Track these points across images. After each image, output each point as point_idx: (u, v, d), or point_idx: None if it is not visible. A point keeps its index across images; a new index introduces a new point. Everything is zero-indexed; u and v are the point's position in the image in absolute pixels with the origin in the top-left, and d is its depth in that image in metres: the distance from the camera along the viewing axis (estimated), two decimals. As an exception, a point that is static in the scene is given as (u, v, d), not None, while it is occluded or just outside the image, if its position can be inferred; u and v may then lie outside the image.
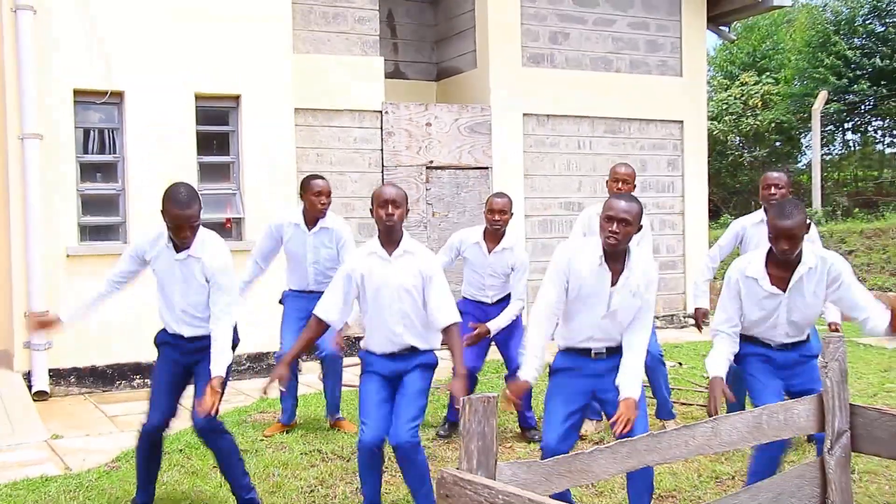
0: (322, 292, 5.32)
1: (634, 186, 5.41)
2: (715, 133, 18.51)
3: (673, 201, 10.31)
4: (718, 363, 3.68)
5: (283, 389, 3.91)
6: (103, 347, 6.88)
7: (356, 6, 8.67)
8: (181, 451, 5.05)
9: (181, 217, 3.76)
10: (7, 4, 6.66)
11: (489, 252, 5.25)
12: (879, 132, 19.18)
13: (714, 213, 16.45)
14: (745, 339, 3.81)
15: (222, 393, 3.87)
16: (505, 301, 5.33)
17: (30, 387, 6.57)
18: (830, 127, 18.45)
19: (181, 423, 5.63)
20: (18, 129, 6.64)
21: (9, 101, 6.67)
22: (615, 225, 3.44)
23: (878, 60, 17.04)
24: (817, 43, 18.04)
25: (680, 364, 7.72)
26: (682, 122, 10.31)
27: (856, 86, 17.18)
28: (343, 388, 5.78)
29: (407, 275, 3.82)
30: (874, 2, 17.58)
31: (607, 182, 5.44)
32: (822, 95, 13.13)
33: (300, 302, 5.46)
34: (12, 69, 6.64)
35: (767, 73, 20.39)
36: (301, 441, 5.29)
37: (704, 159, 10.63)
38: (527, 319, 5.51)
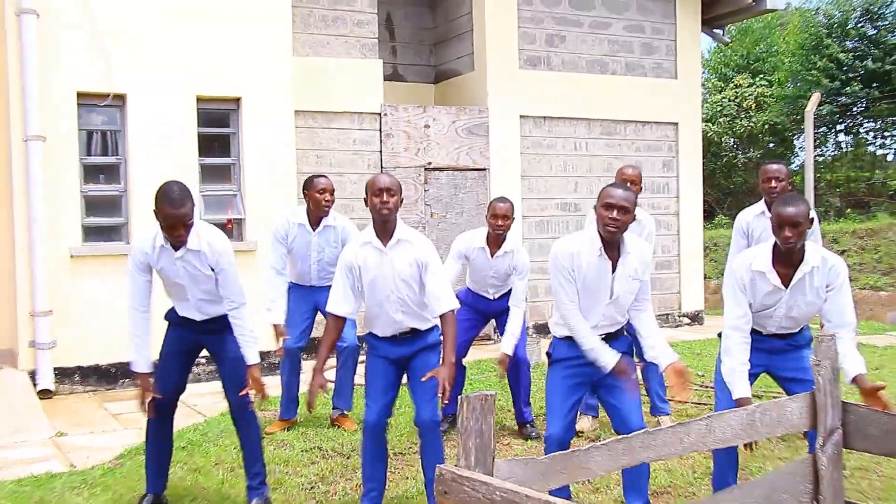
0: (324, 286, 5.37)
1: (641, 188, 5.42)
2: (709, 135, 18.53)
3: (668, 202, 10.32)
4: (741, 382, 3.54)
5: (327, 394, 3.95)
6: (107, 346, 6.88)
7: (355, 10, 8.68)
8: (183, 448, 5.05)
9: (175, 216, 3.74)
10: (11, 8, 6.65)
11: (492, 256, 5.26)
12: (871, 134, 19.21)
13: (708, 214, 16.47)
14: None
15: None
16: (507, 296, 5.35)
17: (35, 385, 6.57)
18: (823, 129, 18.47)
19: (182, 420, 5.66)
20: (22, 132, 6.64)
21: (12, 103, 6.67)
22: (615, 212, 3.46)
23: (869, 63, 17.06)
24: (810, 46, 18.07)
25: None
26: (676, 123, 10.33)
27: (848, 88, 17.20)
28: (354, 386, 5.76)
29: (403, 264, 3.82)
30: (866, 5, 17.60)
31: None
32: (815, 97, 13.12)
33: (303, 293, 5.49)
34: (16, 72, 6.64)
35: (761, 76, 20.41)
36: (302, 438, 5.29)
37: (699, 161, 10.64)
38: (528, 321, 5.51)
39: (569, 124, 9.74)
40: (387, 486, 4.36)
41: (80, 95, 6.88)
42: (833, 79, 17.25)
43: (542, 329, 9.36)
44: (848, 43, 17.70)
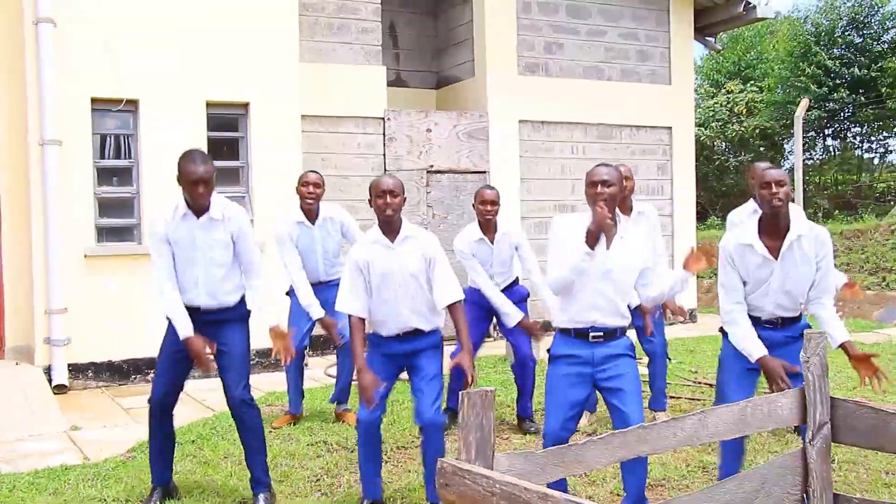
0: (329, 281, 5.36)
1: (634, 183, 5.40)
2: (702, 139, 18.53)
3: (662, 204, 10.30)
4: (754, 342, 3.53)
5: (381, 389, 3.87)
6: (119, 343, 6.88)
7: (360, 18, 8.67)
8: (193, 441, 5.05)
9: (197, 172, 3.75)
10: (29, 17, 6.66)
11: (492, 242, 5.25)
12: (858, 138, 19.20)
13: (701, 216, 16.46)
14: None
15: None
16: (512, 286, 5.34)
17: (50, 381, 6.57)
18: (812, 133, 18.46)
19: (192, 414, 5.66)
20: (39, 136, 6.65)
21: (30, 109, 6.67)
22: (600, 187, 3.44)
23: (856, 70, 17.05)
24: (799, 53, 18.05)
25: (669, 359, 7.71)
26: (670, 128, 10.31)
27: (835, 94, 17.19)
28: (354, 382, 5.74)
29: (411, 259, 3.80)
30: (852, 14, 17.59)
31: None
32: (804, 103, 13.12)
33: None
34: (33, 79, 6.64)
35: (752, 82, 20.40)
36: (307, 433, 5.28)
37: (692, 164, 10.63)
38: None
39: (566, 128, 9.73)
40: (389, 479, 4.36)
41: (94, 101, 6.88)
42: (821, 85, 17.24)
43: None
44: (835, 51, 17.69)
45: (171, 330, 4.01)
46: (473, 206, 5.29)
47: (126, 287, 6.83)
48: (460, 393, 2.22)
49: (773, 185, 3.47)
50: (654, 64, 10.28)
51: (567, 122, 9.70)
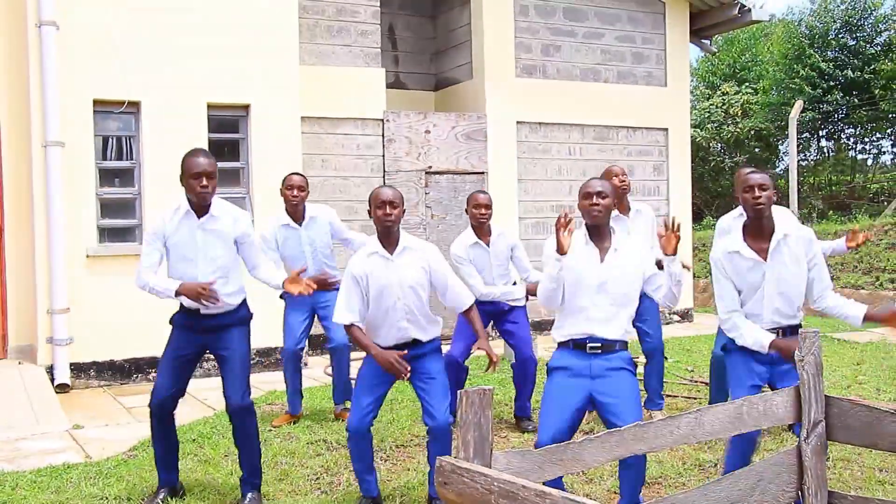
0: (319, 281, 5.34)
1: (629, 183, 5.41)
2: (698, 140, 18.53)
3: (658, 204, 10.30)
4: (760, 332, 3.50)
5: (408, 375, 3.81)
6: (121, 343, 6.87)
7: (359, 20, 8.67)
8: (194, 440, 5.04)
9: (200, 164, 3.75)
10: (32, 20, 6.65)
11: (488, 245, 5.25)
12: (851, 139, 19.21)
13: (697, 216, 16.47)
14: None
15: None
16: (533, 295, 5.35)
17: (52, 380, 6.56)
18: (806, 134, 18.46)
19: (194, 413, 5.65)
20: (42, 138, 6.64)
21: (33, 110, 6.66)
22: (594, 198, 3.46)
23: (849, 72, 17.06)
24: (793, 55, 18.06)
25: (666, 358, 7.71)
26: (666, 129, 10.32)
27: (829, 96, 17.20)
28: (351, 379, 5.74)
29: (410, 271, 3.79)
30: (846, 17, 17.60)
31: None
32: (798, 105, 13.12)
33: (301, 297, 5.42)
34: (36, 81, 6.63)
35: (747, 84, 20.41)
36: (307, 431, 5.27)
37: (688, 165, 10.64)
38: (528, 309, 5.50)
39: (563, 130, 9.73)
40: (388, 477, 4.35)
41: (96, 103, 6.87)
42: (815, 87, 17.24)
43: (537, 326, 9.35)
44: (829, 53, 17.70)
45: (175, 334, 4.00)
46: (466, 210, 5.29)
47: (128, 287, 6.74)
48: (459, 392, 2.22)
49: (755, 188, 3.48)
50: (651, 66, 10.29)
51: (564, 124, 9.70)
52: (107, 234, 7.05)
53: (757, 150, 19.48)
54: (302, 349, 5.53)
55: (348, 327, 3.86)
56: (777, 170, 19.83)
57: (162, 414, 3.98)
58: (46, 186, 6.61)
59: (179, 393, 4.01)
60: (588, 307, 3.48)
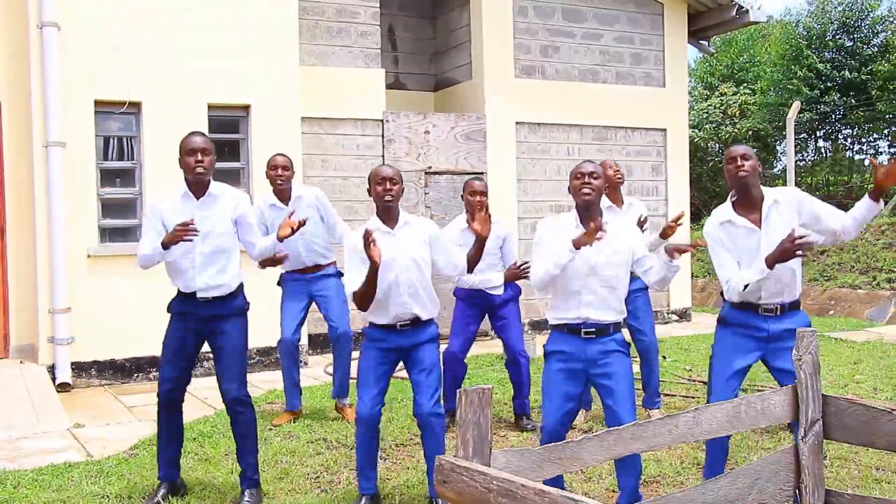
0: (316, 265, 5.36)
1: (623, 176, 5.41)
2: (696, 140, 18.53)
3: (657, 204, 10.31)
4: (753, 266, 3.52)
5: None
6: (122, 342, 6.87)
7: (359, 21, 8.67)
8: (194, 439, 5.04)
9: (197, 142, 3.78)
10: (33, 21, 6.65)
11: None
12: (849, 140, 19.22)
13: (695, 216, 16.47)
14: (733, 306, 3.65)
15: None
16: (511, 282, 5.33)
17: (53, 379, 6.56)
18: (803, 135, 18.47)
19: (194, 412, 5.65)
20: (43, 138, 6.63)
21: (34, 111, 6.66)
22: (586, 178, 3.50)
23: (847, 73, 17.06)
24: (791, 56, 18.06)
25: (664, 357, 7.72)
26: (665, 130, 10.32)
27: (827, 97, 17.20)
28: (351, 380, 5.72)
29: (412, 244, 3.79)
30: (843, 18, 17.60)
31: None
32: (796, 105, 13.13)
33: (299, 286, 5.42)
34: (38, 81, 6.63)
35: (744, 85, 20.42)
36: (307, 430, 5.27)
37: (686, 165, 10.64)
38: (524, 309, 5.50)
39: (562, 130, 9.73)
40: (388, 476, 4.35)
41: (97, 103, 6.87)
42: (812, 88, 17.25)
43: (537, 325, 9.35)
44: (826, 54, 17.70)
45: (173, 324, 3.98)
46: (463, 196, 5.28)
47: (128, 286, 6.82)
48: (458, 391, 2.21)
49: (737, 159, 3.56)
50: (649, 67, 10.29)
51: (563, 124, 9.71)
52: (108, 234, 7.05)
53: (755, 150, 19.51)
54: (299, 339, 5.48)
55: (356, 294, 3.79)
56: (775, 170, 19.83)
57: (170, 403, 3.98)
58: (47, 186, 6.61)
59: (185, 381, 4.00)
60: (580, 290, 3.50)
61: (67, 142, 6.68)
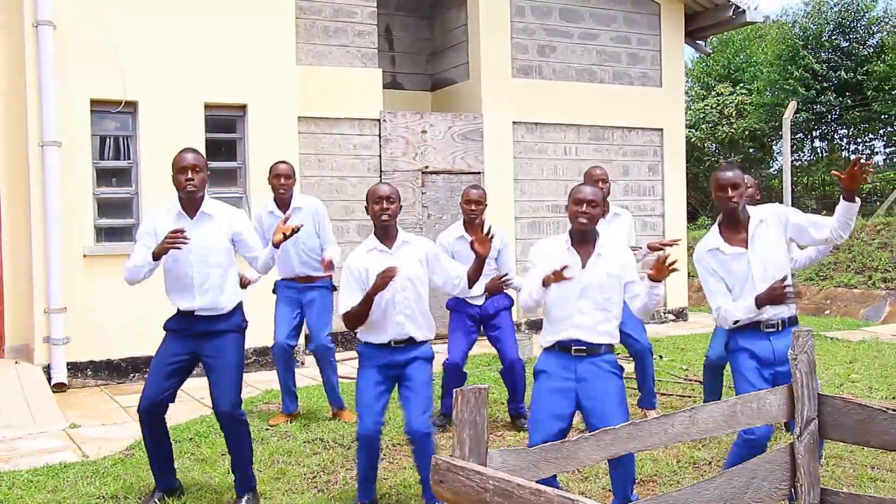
0: (308, 276, 5.36)
1: (609, 185, 5.43)
2: (692, 140, 18.55)
3: (653, 204, 10.32)
4: (743, 301, 3.55)
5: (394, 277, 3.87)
6: (118, 342, 6.86)
7: (356, 21, 8.66)
8: (191, 439, 5.03)
9: (187, 159, 3.77)
10: (29, 20, 6.63)
11: None
12: (844, 140, 19.25)
13: (692, 216, 16.49)
14: (736, 330, 3.66)
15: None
16: (493, 299, 5.30)
17: (49, 379, 6.54)
18: (800, 135, 18.50)
19: (190, 412, 5.64)
20: (39, 137, 6.62)
21: (30, 110, 6.65)
22: (584, 206, 3.47)
23: (842, 73, 17.10)
24: (787, 57, 18.09)
25: (661, 357, 7.73)
26: (661, 129, 10.33)
27: (823, 97, 17.24)
28: (340, 380, 5.73)
29: (409, 263, 3.79)
30: (839, 19, 17.64)
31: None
32: (792, 105, 13.14)
33: (291, 293, 5.43)
34: (33, 80, 6.62)
35: (741, 85, 20.44)
36: (304, 430, 5.27)
37: (683, 165, 10.65)
38: (517, 313, 5.49)
39: (559, 130, 9.73)
40: (384, 476, 4.35)
41: (93, 102, 6.86)
42: (809, 88, 17.28)
43: (534, 325, 9.35)
44: (822, 54, 17.74)
45: (167, 338, 3.95)
46: (460, 204, 5.29)
47: (124, 286, 6.74)
48: (454, 390, 2.21)
49: (727, 189, 3.56)
50: (646, 67, 10.29)
51: (560, 124, 9.71)
52: (104, 234, 7.04)
53: (751, 150, 19.52)
54: (292, 345, 5.49)
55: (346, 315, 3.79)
56: (771, 170, 19.87)
57: (151, 419, 3.88)
58: (43, 186, 6.60)
59: (168, 399, 3.90)
60: (573, 313, 3.49)
61: (63, 141, 6.66)
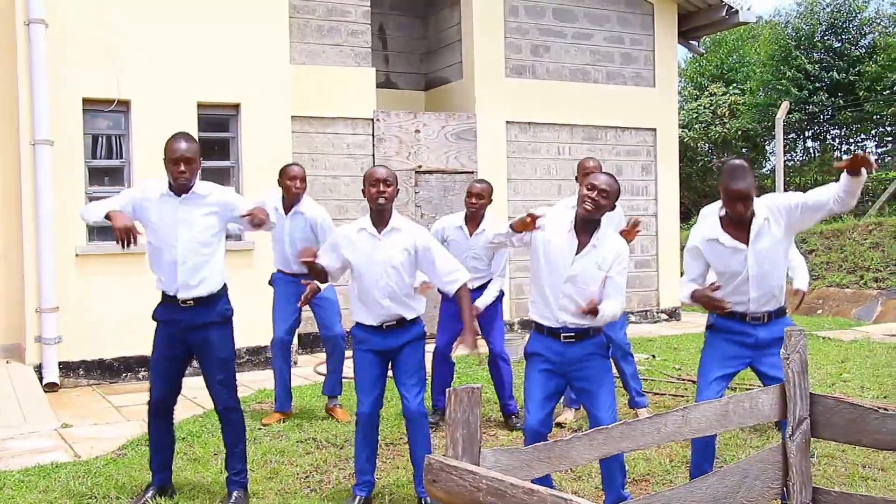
0: (305, 274, 5.36)
1: None
2: (686, 140, 18.60)
3: (647, 204, 10.34)
4: (684, 287, 3.68)
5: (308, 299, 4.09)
6: (110, 341, 6.83)
7: (349, 20, 8.65)
8: (183, 439, 5.01)
9: (179, 149, 3.74)
10: (21, 18, 6.60)
11: (470, 235, 5.25)
12: (837, 140, 19.33)
13: (685, 216, 16.52)
14: (722, 315, 3.66)
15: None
16: (485, 287, 5.32)
17: (41, 379, 6.52)
18: (792, 135, 18.57)
19: (183, 412, 5.62)
20: (31, 136, 6.59)
21: (22, 109, 6.61)
22: (595, 193, 3.46)
23: (835, 74, 17.17)
24: (780, 57, 18.15)
25: (653, 356, 7.75)
26: (655, 129, 10.35)
27: (815, 97, 17.31)
28: (343, 379, 5.70)
29: (395, 251, 3.81)
30: (831, 19, 17.71)
31: (576, 178, 5.47)
32: (785, 106, 13.19)
33: (290, 287, 5.42)
34: (25, 79, 6.59)
35: (734, 85, 20.50)
36: (297, 430, 5.26)
37: (676, 165, 10.67)
38: (508, 310, 5.50)
39: (552, 130, 9.74)
40: (377, 475, 4.34)
41: (86, 101, 6.83)
42: (801, 88, 17.34)
43: (527, 325, 9.36)
44: (815, 55, 17.80)
45: (160, 331, 3.94)
46: (464, 198, 5.31)
47: (117, 286, 6.79)
48: (447, 390, 2.21)
49: (737, 203, 3.47)
50: (639, 67, 10.31)
51: (553, 124, 9.72)
52: (96, 233, 7.00)
53: (744, 150, 19.57)
54: (290, 340, 5.51)
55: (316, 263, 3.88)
56: (764, 170, 19.92)
57: (160, 411, 3.97)
58: (35, 185, 6.57)
59: (176, 392, 4.00)
60: (559, 296, 3.53)
61: (55, 140, 6.63)
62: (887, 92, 16.87)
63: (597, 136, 10.00)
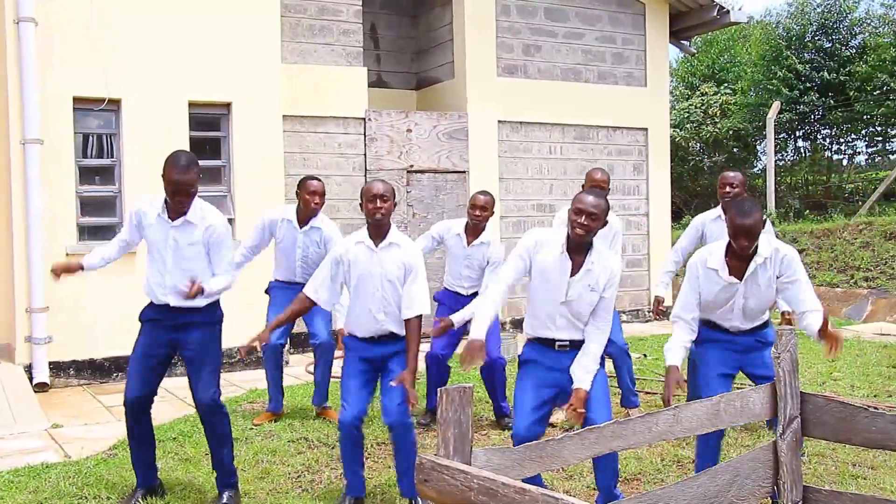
0: (304, 284, 5.34)
1: (609, 191, 5.43)
2: (677, 140, 18.64)
3: (638, 203, 10.36)
4: (675, 353, 3.68)
5: (261, 353, 4.01)
6: (101, 341, 6.80)
7: (341, 19, 8.64)
8: (174, 439, 5.00)
9: (179, 182, 3.71)
10: (10, 16, 6.56)
11: (468, 244, 5.25)
12: (827, 140, 19.40)
13: (676, 215, 16.56)
14: (705, 324, 3.77)
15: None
16: (476, 296, 5.32)
17: (31, 379, 6.48)
18: (783, 135, 18.63)
19: (174, 412, 5.60)
20: (20, 135, 6.55)
21: (11, 107, 6.57)
22: (583, 217, 3.44)
23: (825, 74, 17.23)
24: (771, 57, 18.20)
25: (644, 356, 7.77)
26: (646, 129, 10.37)
27: (806, 97, 17.36)
28: (331, 379, 5.73)
29: (391, 265, 3.82)
30: (822, 20, 17.77)
31: (583, 186, 5.45)
32: (776, 106, 13.25)
33: (286, 293, 5.41)
34: (15, 77, 6.55)
35: (725, 85, 20.55)
36: (289, 430, 5.25)
37: (667, 164, 10.70)
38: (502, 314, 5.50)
39: (544, 129, 9.75)
40: (369, 475, 4.34)
41: (76, 100, 6.79)
42: (792, 88, 17.39)
43: (519, 324, 9.36)
44: (805, 55, 17.85)
45: (144, 330, 3.96)
46: (467, 209, 5.30)
47: (107, 285, 6.75)
48: (439, 390, 2.21)
49: (742, 238, 3.47)
50: (631, 66, 10.33)
51: (545, 123, 9.73)
52: (86, 233, 6.97)
53: (735, 150, 19.63)
54: (283, 345, 5.52)
55: (308, 299, 3.92)
56: (755, 169, 19.99)
57: (136, 413, 3.91)
58: (25, 184, 6.53)
59: (151, 393, 3.94)
60: (553, 315, 3.56)
61: (45, 139, 6.60)
62: (877, 92, 16.94)
63: (588, 136, 10.02)
